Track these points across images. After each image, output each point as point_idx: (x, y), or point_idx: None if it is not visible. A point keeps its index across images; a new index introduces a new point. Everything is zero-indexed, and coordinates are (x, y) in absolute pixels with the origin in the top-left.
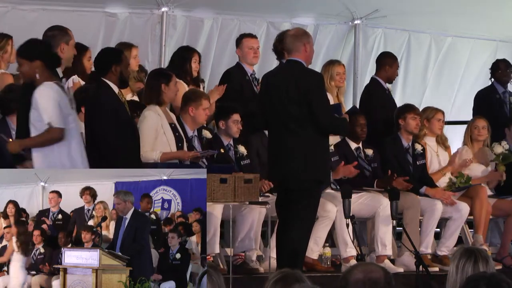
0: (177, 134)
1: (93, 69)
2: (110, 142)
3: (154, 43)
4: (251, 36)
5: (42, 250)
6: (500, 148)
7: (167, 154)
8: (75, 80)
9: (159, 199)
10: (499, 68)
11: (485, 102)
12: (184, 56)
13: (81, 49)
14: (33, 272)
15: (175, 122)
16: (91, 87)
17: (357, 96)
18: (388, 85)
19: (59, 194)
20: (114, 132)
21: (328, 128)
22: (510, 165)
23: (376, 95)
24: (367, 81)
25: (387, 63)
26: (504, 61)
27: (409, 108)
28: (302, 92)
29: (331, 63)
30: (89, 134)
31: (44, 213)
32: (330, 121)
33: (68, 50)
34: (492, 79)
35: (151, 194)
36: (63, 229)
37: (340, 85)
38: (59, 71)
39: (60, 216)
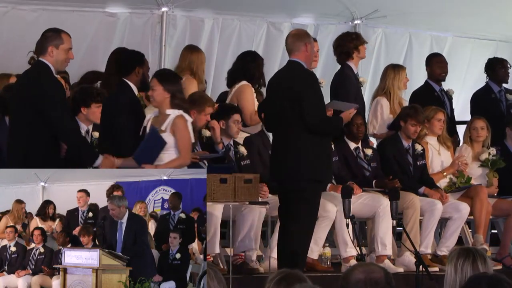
0: None
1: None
2: (129, 141)
3: (154, 43)
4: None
5: (42, 250)
6: (485, 154)
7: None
8: None
9: (159, 199)
10: (503, 67)
11: (481, 102)
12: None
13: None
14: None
15: None
16: (92, 87)
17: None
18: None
19: (87, 193)
20: (133, 132)
21: (316, 128)
22: (509, 166)
23: (424, 98)
24: (369, 81)
25: (433, 63)
26: (504, 60)
27: (412, 112)
28: (295, 91)
29: (398, 67)
30: (106, 133)
31: (73, 212)
32: (319, 121)
33: (58, 54)
34: (488, 79)
35: (151, 194)
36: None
37: (405, 89)
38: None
39: (90, 214)
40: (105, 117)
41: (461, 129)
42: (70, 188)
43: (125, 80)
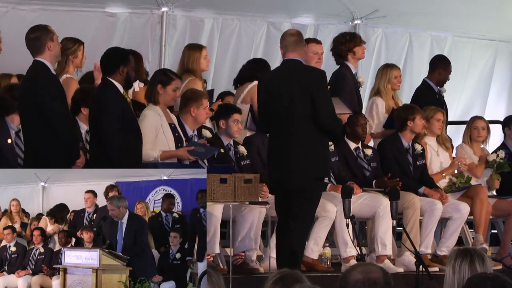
0: (176, 134)
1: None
2: (115, 140)
3: (154, 43)
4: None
5: (42, 250)
6: (493, 156)
7: (167, 152)
8: (141, 85)
9: (159, 199)
10: None
11: None
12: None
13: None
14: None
15: (175, 122)
16: (92, 87)
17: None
18: (440, 88)
19: (94, 194)
20: (119, 131)
21: (327, 126)
22: (510, 166)
23: (426, 97)
24: (369, 81)
25: (441, 66)
26: None
27: (416, 109)
28: (305, 89)
29: (388, 67)
30: (93, 133)
31: (79, 213)
32: (331, 120)
33: (55, 46)
34: None
35: (151, 194)
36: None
37: (396, 88)
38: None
39: (95, 216)
40: (90, 118)
41: (462, 129)
42: (70, 188)
43: (109, 79)
